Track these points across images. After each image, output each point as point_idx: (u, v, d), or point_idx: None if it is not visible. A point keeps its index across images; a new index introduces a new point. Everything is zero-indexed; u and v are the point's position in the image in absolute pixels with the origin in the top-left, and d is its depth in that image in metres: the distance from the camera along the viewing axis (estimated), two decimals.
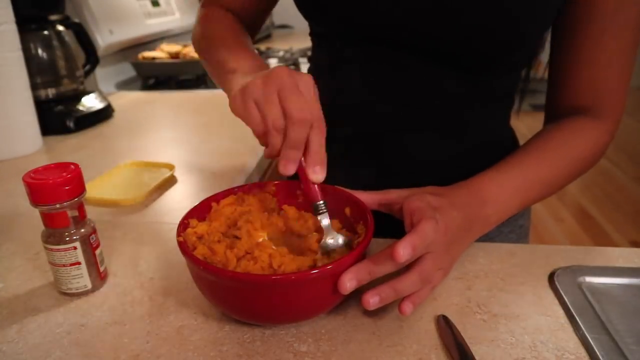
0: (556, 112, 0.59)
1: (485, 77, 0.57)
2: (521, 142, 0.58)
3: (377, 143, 0.60)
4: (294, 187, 0.52)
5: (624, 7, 0.51)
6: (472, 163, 0.58)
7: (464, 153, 0.60)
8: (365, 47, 0.57)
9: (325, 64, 0.64)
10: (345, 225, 0.50)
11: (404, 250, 0.38)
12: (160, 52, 1.51)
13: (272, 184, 0.52)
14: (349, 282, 0.39)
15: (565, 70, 0.56)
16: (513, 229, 0.64)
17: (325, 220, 0.46)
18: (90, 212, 0.50)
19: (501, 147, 0.61)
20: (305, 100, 0.41)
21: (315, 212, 0.46)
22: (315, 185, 0.45)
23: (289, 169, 0.43)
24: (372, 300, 0.40)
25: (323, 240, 0.46)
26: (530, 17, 0.50)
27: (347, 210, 0.49)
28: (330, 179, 0.57)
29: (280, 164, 0.43)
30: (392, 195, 0.50)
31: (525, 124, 0.58)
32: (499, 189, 0.51)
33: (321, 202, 0.45)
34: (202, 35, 0.66)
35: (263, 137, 0.43)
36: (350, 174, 0.62)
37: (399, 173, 0.60)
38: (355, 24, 0.56)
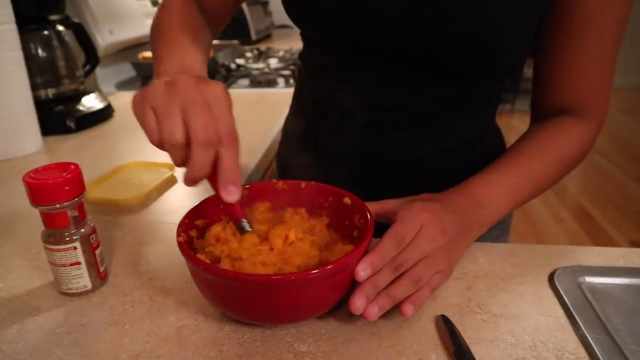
0: (541, 112, 0.60)
1: (470, 82, 0.58)
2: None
3: (361, 142, 0.61)
4: (297, 185, 0.52)
5: (604, 10, 0.51)
6: (456, 162, 0.59)
7: (448, 152, 0.61)
8: (352, 53, 0.58)
9: (314, 63, 0.65)
10: (342, 222, 0.50)
11: (363, 271, 0.41)
12: None
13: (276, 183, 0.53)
14: (358, 301, 0.40)
15: (548, 71, 0.57)
16: (496, 225, 0.65)
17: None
18: (90, 212, 0.50)
19: (486, 146, 0.62)
20: (211, 117, 0.37)
21: (240, 231, 0.43)
22: (237, 203, 0.41)
23: (192, 185, 0.40)
24: (372, 310, 0.40)
25: None
26: (514, 25, 0.51)
27: (346, 201, 0.49)
28: (318, 176, 0.58)
29: (184, 180, 0.39)
30: (389, 205, 0.51)
31: (525, 124, 0.57)
32: (492, 189, 0.52)
33: (244, 220, 0.43)
34: (154, 25, 0.62)
35: (159, 147, 0.39)
36: (335, 171, 0.62)
37: (382, 172, 0.61)
38: (341, 33, 0.57)
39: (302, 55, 0.69)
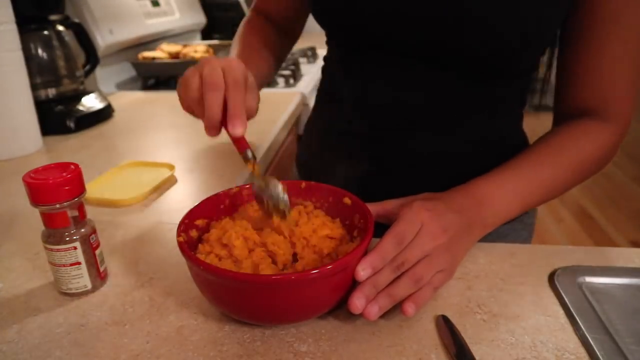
0: (564, 114, 0.59)
1: (492, 82, 0.57)
2: None
3: (378, 139, 0.61)
4: (297, 185, 0.52)
5: (627, 12, 0.50)
6: (473, 162, 0.58)
7: (465, 151, 0.60)
8: (374, 53, 0.58)
9: (335, 62, 0.66)
10: (342, 222, 0.50)
11: (364, 271, 0.41)
12: (160, 52, 1.51)
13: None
14: (357, 301, 0.40)
15: (572, 73, 0.56)
16: (524, 226, 0.64)
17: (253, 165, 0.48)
18: (90, 212, 0.50)
19: (506, 148, 0.61)
20: (217, 70, 0.46)
21: (244, 160, 0.48)
22: (242, 138, 0.47)
23: (213, 134, 0.47)
24: (372, 310, 0.40)
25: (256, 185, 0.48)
26: (536, 21, 0.50)
27: (346, 201, 0.49)
28: (329, 174, 0.57)
29: (205, 129, 0.47)
30: (389, 206, 0.51)
31: (531, 121, 0.58)
32: (496, 190, 0.52)
33: (248, 150, 0.48)
34: (235, 38, 0.74)
35: (188, 111, 0.50)
36: (350, 168, 0.62)
37: (398, 169, 0.61)
38: (366, 34, 0.57)
39: (326, 56, 0.69)
